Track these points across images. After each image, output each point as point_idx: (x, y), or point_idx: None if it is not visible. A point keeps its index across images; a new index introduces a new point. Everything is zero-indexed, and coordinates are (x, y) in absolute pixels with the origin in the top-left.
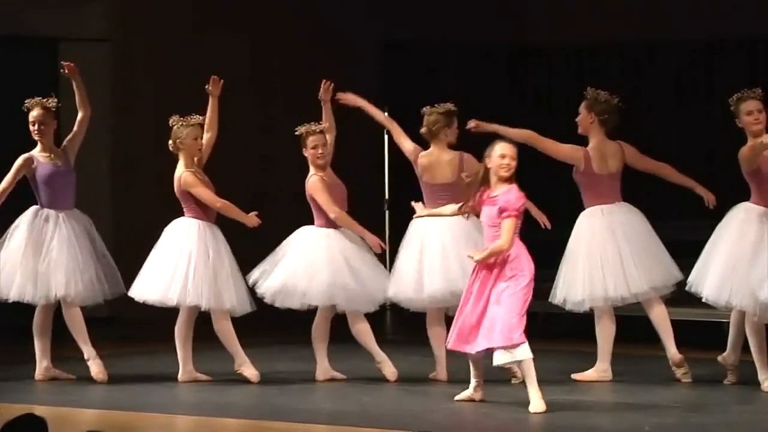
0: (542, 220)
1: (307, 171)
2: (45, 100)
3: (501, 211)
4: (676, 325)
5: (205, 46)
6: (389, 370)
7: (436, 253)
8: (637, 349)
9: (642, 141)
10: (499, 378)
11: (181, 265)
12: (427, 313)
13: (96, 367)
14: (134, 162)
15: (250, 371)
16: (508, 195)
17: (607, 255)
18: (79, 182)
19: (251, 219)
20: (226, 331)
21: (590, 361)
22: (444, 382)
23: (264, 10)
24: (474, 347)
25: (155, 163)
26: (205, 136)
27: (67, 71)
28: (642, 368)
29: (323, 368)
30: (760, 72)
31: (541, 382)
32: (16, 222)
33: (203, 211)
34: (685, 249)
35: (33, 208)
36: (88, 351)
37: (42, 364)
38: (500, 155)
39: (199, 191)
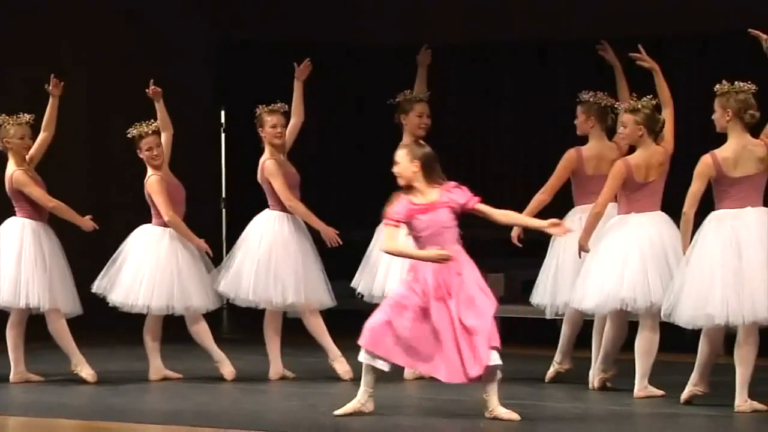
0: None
1: (145, 171)
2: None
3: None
4: None
5: (32, 47)
6: (227, 369)
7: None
8: None
9: None
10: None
11: (13, 266)
12: (266, 312)
13: (87, 370)
14: None
15: (86, 371)
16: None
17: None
18: None
19: (86, 222)
20: (61, 331)
21: None
22: (278, 381)
23: (97, 9)
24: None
25: None
26: (41, 135)
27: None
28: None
29: (156, 367)
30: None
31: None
32: None
33: (36, 210)
34: None
35: None
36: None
37: None
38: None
39: (32, 190)
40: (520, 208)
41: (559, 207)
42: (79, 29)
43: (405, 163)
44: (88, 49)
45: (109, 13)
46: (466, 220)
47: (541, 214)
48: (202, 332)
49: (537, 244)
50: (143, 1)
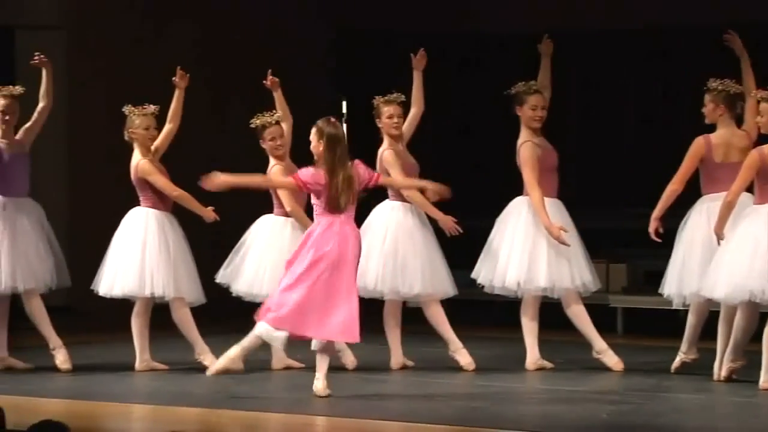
0: None
1: (265, 162)
2: (12, 88)
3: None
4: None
5: (158, 36)
6: (349, 358)
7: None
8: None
9: None
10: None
11: (138, 256)
12: (386, 302)
13: (61, 356)
14: (88, 150)
15: (210, 359)
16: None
17: None
18: (34, 171)
19: (208, 213)
20: (185, 320)
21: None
22: (398, 370)
23: (213, 5)
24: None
25: (109, 151)
26: (167, 126)
27: (38, 62)
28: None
29: (279, 356)
30: None
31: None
32: None
33: (160, 200)
34: None
35: None
36: (53, 341)
37: None
38: None
39: (156, 179)
40: (655, 198)
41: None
42: (199, 20)
43: (314, 141)
44: (208, 41)
45: (230, 3)
46: (592, 213)
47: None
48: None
49: (659, 235)
50: None
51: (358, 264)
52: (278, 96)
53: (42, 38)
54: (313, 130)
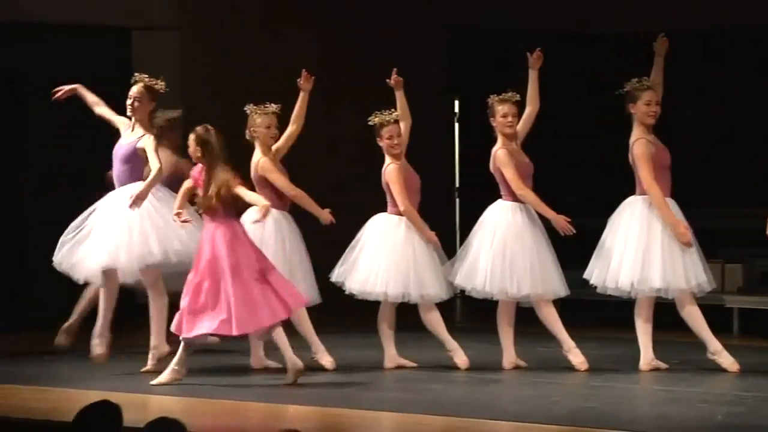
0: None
1: (380, 161)
2: (152, 80)
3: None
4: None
5: (273, 37)
6: (461, 358)
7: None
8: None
9: None
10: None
11: None
12: (499, 302)
13: (325, 359)
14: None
15: (326, 359)
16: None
17: None
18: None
19: (325, 215)
20: (301, 320)
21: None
22: (511, 370)
23: (332, 1)
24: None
25: (232, 147)
26: (289, 128)
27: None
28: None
29: (390, 355)
30: None
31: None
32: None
33: (278, 199)
34: None
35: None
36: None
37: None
38: None
39: (276, 177)
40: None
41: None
42: (313, 23)
43: (191, 147)
44: (322, 43)
45: (345, 4)
46: (708, 213)
47: None
48: (436, 321)
49: None
50: None
51: (251, 259)
52: (400, 95)
53: (157, 39)
54: (192, 137)
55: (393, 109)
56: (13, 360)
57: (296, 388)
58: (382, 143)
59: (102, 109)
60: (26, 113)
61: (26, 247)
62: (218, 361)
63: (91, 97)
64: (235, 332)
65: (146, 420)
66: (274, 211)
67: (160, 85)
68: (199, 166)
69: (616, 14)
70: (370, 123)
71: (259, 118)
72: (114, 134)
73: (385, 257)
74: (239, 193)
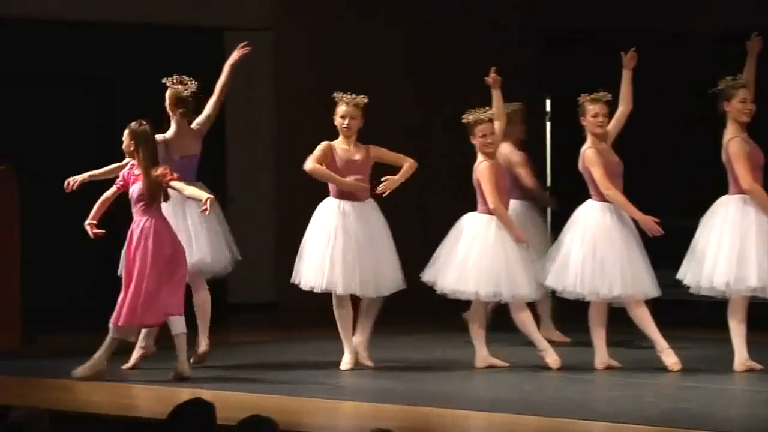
0: None
1: (470, 159)
2: (354, 97)
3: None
4: None
5: (364, 35)
6: (552, 357)
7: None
8: None
9: None
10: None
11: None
12: (591, 303)
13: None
14: (298, 146)
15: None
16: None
17: None
18: (245, 170)
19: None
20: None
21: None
22: (603, 370)
23: (422, 1)
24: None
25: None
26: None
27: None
28: None
29: (482, 355)
30: None
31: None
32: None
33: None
34: None
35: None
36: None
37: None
38: None
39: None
40: None
41: None
42: (403, 23)
43: (126, 141)
44: (413, 43)
45: (434, 7)
46: None
47: None
48: (527, 321)
49: None
50: None
51: (176, 253)
52: (497, 95)
53: (250, 39)
54: (126, 132)
55: (487, 108)
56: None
57: (385, 387)
58: (475, 141)
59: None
60: (120, 116)
61: (117, 249)
62: (308, 359)
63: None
64: (120, 322)
65: (238, 418)
66: (345, 203)
67: (362, 100)
68: (126, 168)
69: (710, 12)
70: (464, 121)
71: (342, 106)
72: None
73: (476, 257)
74: (176, 186)
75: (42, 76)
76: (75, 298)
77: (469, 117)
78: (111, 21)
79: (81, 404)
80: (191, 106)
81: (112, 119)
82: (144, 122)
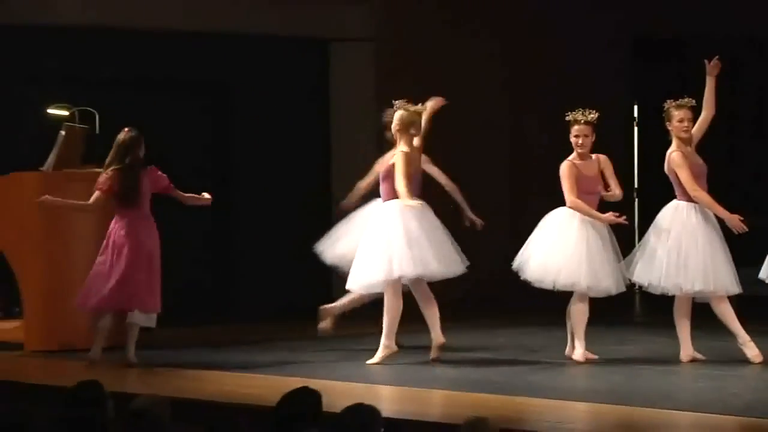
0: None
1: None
2: (585, 112)
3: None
4: None
5: (460, 45)
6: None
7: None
8: None
9: None
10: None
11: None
12: (675, 297)
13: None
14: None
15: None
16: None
17: None
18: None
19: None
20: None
21: None
22: (688, 363)
23: (516, 10)
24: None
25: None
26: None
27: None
28: None
29: (579, 351)
30: None
31: None
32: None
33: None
34: None
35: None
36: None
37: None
38: None
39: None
40: None
41: None
42: (498, 33)
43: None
44: (507, 52)
45: (529, 10)
46: None
47: None
48: (580, 314)
49: None
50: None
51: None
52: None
53: (353, 50)
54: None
55: (589, 110)
56: (221, 349)
57: (482, 377)
58: (572, 140)
59: None
60: (235, 120)
61: (235, 247)
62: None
63: None
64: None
65: (343, 406)
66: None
67: (593, 115)
68: (103, 176)
69: None
70: (566, 118)
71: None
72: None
73: (559, 248)
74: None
75: (164, 84)
76: (186, 295)
77: (570, 115)
78: (228, 31)
79: (199, 392)
80: (420, 127)
81: (229, 123)
82: (128, 129)
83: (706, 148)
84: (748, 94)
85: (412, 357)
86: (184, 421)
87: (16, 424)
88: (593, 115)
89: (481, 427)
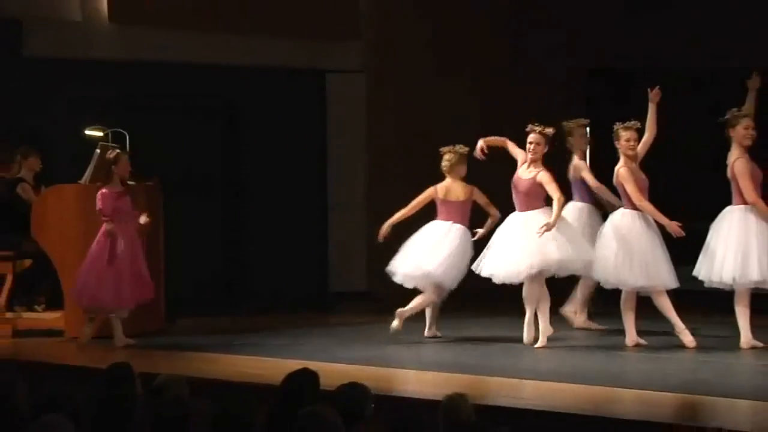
0: None
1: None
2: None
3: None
4: None
5: (442, 75)
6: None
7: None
8: None
9: None
10: None
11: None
12: (623, 292)
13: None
14: (385, 166)
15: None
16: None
17: None
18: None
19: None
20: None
21: None
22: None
23: (482, 55)
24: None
25: (406, 170)
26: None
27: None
28: None
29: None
30: None
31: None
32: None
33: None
34: None
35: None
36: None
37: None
38: None
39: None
40: None
41: None
42: (476, 69)
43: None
44: (481, 82)
45: (500, 53)
46: None
47: None
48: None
49: None
50: (527, 42)
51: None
52: (652, 109)
53: (347, 80)
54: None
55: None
56: (232, 335)
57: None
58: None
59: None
60: (244, 141)
61: (246, 247)
62: (396, 337)
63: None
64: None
65: (337, 385)
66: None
67: (549, 129)
68: (100, 193)
69: (727, 51)
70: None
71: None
72: None
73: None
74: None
75: (182, 108)
76: (202, 288)
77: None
78: (236, 64)
79: (213, 372)
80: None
81: (239, 144)
82: (113, 147)
83: (647, 165)
84: (681, 120)
85: (402, 342)
86: (200, 397)
87: (55, 401)
88: (549, 129)
89: (461, 403)
